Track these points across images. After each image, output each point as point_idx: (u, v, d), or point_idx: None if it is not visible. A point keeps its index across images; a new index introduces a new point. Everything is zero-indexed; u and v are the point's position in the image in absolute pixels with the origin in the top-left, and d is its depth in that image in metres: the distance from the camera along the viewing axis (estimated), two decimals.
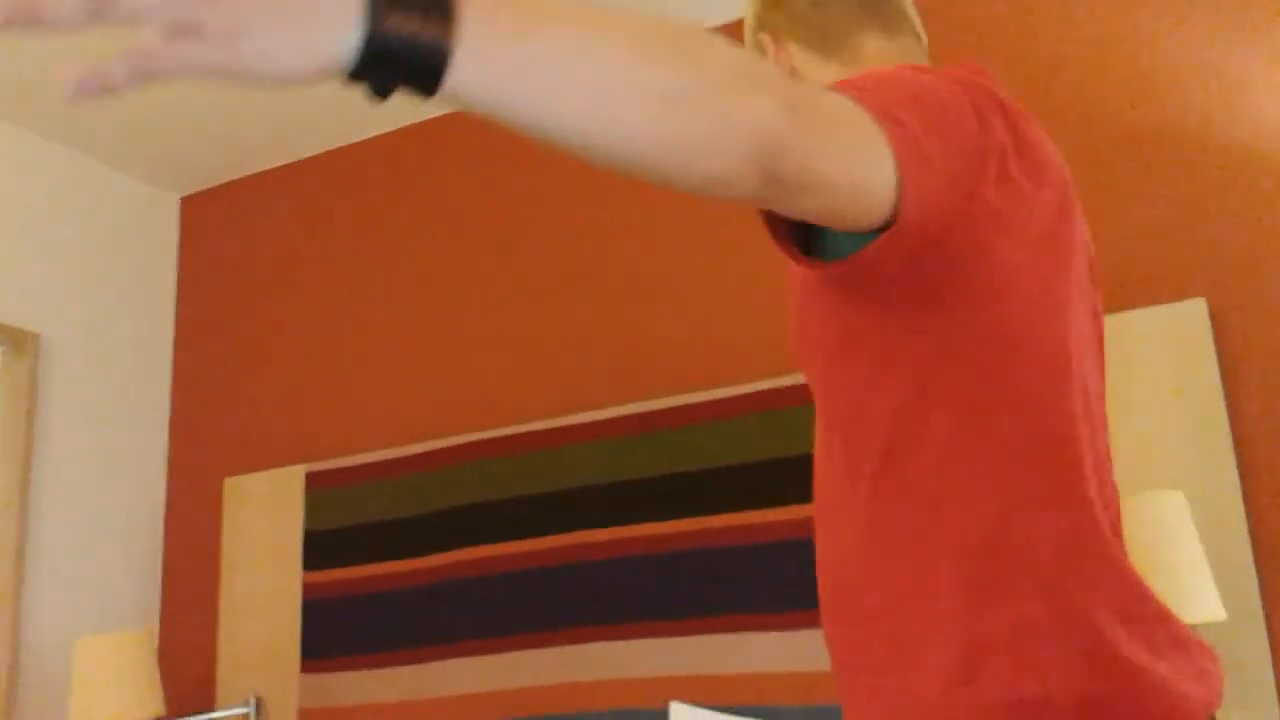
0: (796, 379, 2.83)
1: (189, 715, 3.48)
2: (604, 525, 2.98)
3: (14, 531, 3.36)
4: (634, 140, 0.76)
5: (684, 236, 3.20)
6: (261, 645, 3.41)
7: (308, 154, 3.85)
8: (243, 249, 3.91)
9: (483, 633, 3.07)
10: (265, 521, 3.49)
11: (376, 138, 3.75)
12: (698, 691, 2.77)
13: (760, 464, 2.82)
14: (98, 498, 3.64)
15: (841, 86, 1.00)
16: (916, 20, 1.33)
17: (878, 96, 0.95)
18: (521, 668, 3.00)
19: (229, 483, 3.58)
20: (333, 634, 3.29)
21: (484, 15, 0.72)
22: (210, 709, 3.49)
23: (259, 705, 3.36)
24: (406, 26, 0.70)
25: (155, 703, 3.15)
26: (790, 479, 2.78)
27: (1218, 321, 2.54)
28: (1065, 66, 2.81)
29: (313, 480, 3.42)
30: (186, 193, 4.05)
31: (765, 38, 1.32)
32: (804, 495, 2.76)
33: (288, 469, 3.49)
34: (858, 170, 0.89)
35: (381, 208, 3.68)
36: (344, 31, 0.70)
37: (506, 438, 3.16)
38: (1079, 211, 1.17)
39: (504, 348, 3.38)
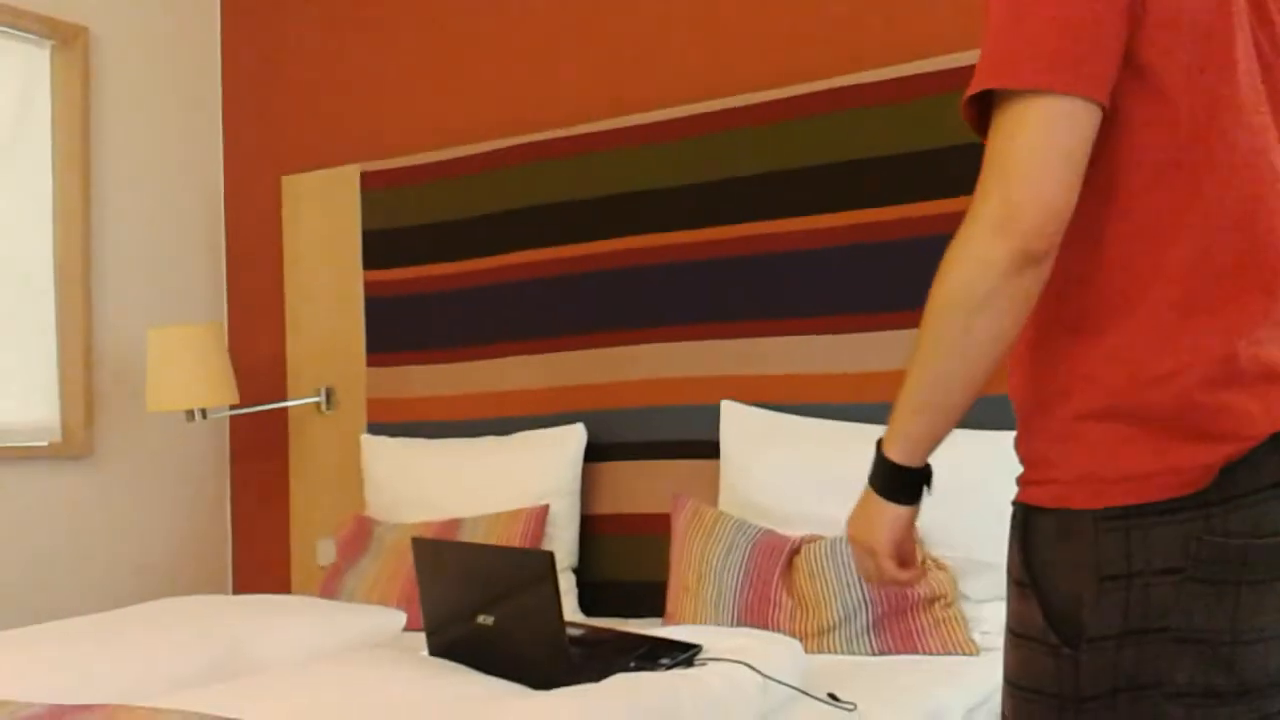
0: (834, 83, 2.76)
1: (263, 404, 3.66)
2: (660, 230, 3.00)
3: (79, 228, 3.44)
4: (979, 365, 1.22)
5: None
6: (327, 340, 3.54)
7: None
8: None
9: (540, 332, 3.16)
10: (323, 220, 3.55)
11: None
12: (749, 390, 2.87)
13: (806, 170, 2.80)
14: (157, 194, 3.70)
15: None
16: None
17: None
18: (578, 366, 3.10)
19: (286, 181, 3.62)
20: (396, 330, 3.40)
21: (908, 457, 1.30)
22: (283, 399, 3.67)
23: (329, 395, 3.53)
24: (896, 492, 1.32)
25: (229, 391, 3.31)
26: (836, 185, 2.76)
27: None
28: None
29: (368, 180, 3.45)
30: None
31: None
32: (853, 201, 2.74)
33: (343, 168, 3.51)
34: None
35: None
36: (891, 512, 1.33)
37: (562, 139, 3.14)
38: None
39: (562, 48, 3.30)
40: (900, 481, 1.30)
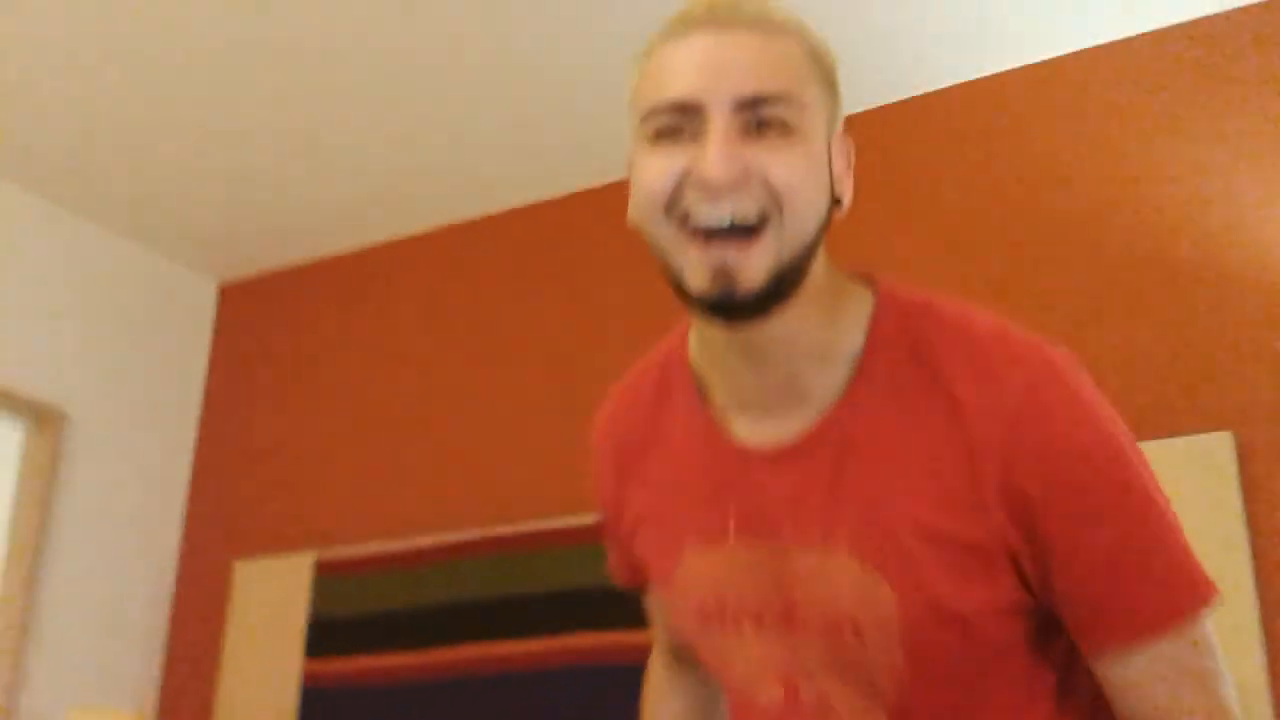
0: None
1: None
2: (617, 628, 2.91)
3: (21, 601, 3.35)
4: None
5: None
6: None
7: (344, 248, 3.89)
8: (273, 340, 3.94)
9: None
10: (271, 606, 3.46)
11: (412, 237, 3.79)
12: None
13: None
14: (108, 572, 3.63)
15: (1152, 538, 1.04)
16: None
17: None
18: None
19: (238, 566, 3.56)
20: None
21: None
22: None
23: None
24: None
25: None
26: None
27: (1244, 455, 2.46)
28: (1079, 188, 2.79)
29: (321, 568, 3.39)
30: (224, 279, 4.10)
31: (850, 143, 1.08)
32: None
33: (297, 555, 3.47)
34: None
35: (413, 306, 3.71)
36: None
37: (517, 534, 3.12)
38: None
39: (514, 448, 3.35)
40: None
